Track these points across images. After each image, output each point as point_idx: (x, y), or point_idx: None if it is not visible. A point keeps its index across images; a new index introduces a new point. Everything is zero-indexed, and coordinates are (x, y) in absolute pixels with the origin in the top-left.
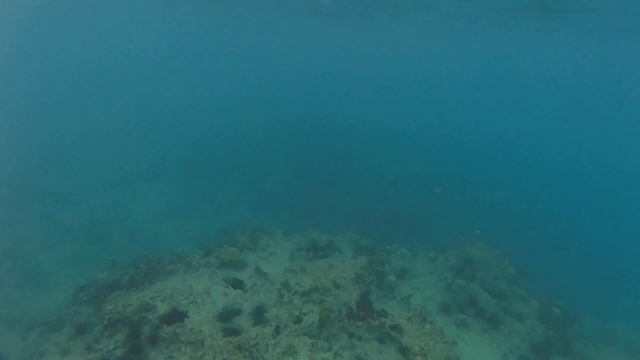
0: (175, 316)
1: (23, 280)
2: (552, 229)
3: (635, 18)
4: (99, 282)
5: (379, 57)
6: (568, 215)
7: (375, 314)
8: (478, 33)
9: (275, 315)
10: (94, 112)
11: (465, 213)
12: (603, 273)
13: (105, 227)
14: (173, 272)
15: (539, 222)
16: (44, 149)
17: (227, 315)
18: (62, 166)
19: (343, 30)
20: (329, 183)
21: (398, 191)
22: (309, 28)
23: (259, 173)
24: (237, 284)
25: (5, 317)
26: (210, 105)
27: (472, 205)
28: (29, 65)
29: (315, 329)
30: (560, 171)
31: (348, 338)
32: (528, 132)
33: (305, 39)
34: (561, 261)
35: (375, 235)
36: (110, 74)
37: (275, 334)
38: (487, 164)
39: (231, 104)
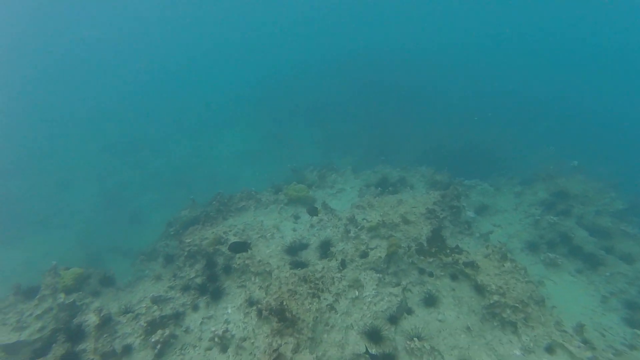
0: (241, 245)
1: (130, 218)
2: None
3: None
4: (182, 218)
5: None
6: None
7: (448, 250)
8: None
9: (342, 249)
10: (176, 71)
11: (559, 140)
12: None
13: (189, 173)
14: (244, 208)
15: None
16: (136, 104)
17: (294, 249)
18: (152, 118)
19: None
20: (401, 119)
21: (478, 123)
22: None
23: (329, 114)
24: (313, 211)
25: (120, 248)
26: (278, 47)
27: (568, 132)
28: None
29: (383, 264)
30: None
31: (418, 274)
32: None
33: None
34: None
35: (452, 170)
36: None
37: (341, 268)
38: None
39: (298, 44)
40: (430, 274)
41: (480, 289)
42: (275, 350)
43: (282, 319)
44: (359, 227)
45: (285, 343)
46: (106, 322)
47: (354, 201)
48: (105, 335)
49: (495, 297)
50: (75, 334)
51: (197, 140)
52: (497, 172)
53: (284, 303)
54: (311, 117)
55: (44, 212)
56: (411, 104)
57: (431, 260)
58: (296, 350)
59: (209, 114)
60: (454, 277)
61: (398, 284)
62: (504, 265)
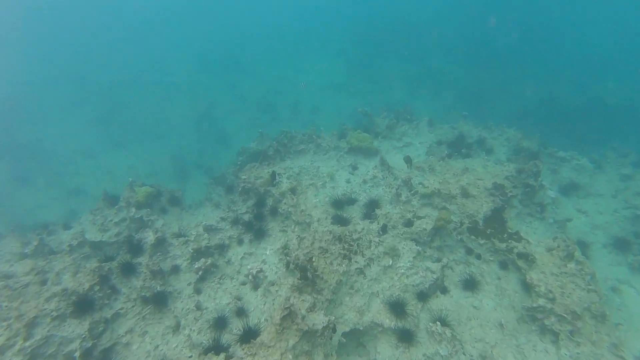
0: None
1: (216, 137)
2: None
3: None
4: (249, 150)
5: None
6: None
7: (505, 235)
8: None
9: (387, 213)
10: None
11: None
12: None
13: (274, 98)
14: (304, 151)
15: None
16: (229, 26)
17: (341, 203)
18: (244, 40)
19: None
20: (508, 63)
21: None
22: None
23: (425, 48)
24: (408, 160)
25: (204, 164)
26: None
27: None
28: None
29: (426, 237)
30: None
31: (464, 253)
32: None
33: None
34: None
35: (547, 135)
36: None
37: (381, 233)
38: None
39: None
40: (478, 257)
41: (527, 287)
42: (287, 307)
43: (304, 276)
44: (412, 192)
45: (302, 300)
46: (160, 243)
47: (418, 160)
48: (158, 254)
49: (541, 301)
50: (135, 248)
51: (286, 64)
52: (610, 143)
53: (313, 259)
54: (408, 50)
55: (147, 122)
56: (525, 43)
57: (483, 242)
58: (311, 309)
59: (303, 36)
60: (503, 266)
61: (438, 260)
62: (566, 265)
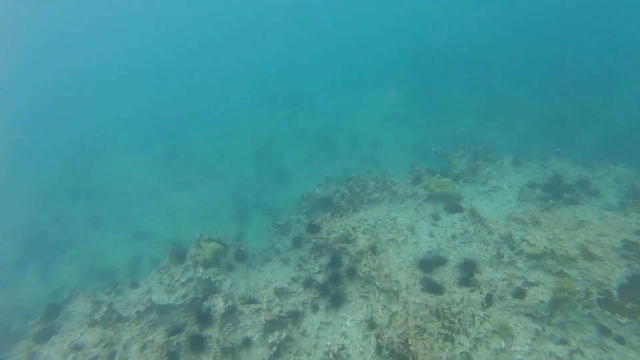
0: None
1: (275, 174)
2: None
3: None
4: (315, 196)
5: None
6: None
7: None
8: None
9: (489, 279)
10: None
11: None
12: None
13: (332, 133)
14: (378, 200)
15: None
16: (288, 61)
17: (429, 264)
18: (300, 74)
19: None
20: (589, 86)
21: None
22: None
23: (492, 74)
24: (455, 209)
25: (263, 204)
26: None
27: None
28: None
29: (545, 311)
30: None
31: (597, 333)
32: None
33: None
34: None
35: None
36: None
37: (485, 304)
38: None
39: None
40: (619, 340)
41: None
42: None
43: None
44: (515, 251)
45: None
46: (231, 312)
47: (512, 208)
48: (228, 324)
49: None
50: (204, 318)
51: (344, 97)
52: None
53: (409, 342)
54: (472, 78)
55: (209, 160)
56: (607, 63)
57: (623, 321)
58: None
59: (361, 69)
60: None
61: (564, 342)
62: None
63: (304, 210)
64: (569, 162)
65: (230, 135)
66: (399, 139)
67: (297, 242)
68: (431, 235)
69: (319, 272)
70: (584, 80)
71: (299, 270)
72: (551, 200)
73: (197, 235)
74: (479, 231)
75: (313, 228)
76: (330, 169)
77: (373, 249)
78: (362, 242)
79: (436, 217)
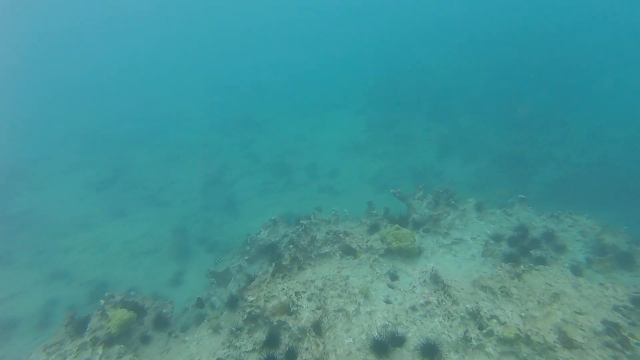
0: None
1: (223, 205)
2: None
3: None
4: (259, 241)
5: None
6: None
7: None
8: None
9: None
10: (291, 51)
11: None
12: None
13: (289, 159)
14: (328, 255)
15: None
16: (248, 82)
17: (384, 346)
18: (261, 98)
19: None
20: (547, 123)
21: None
22: None
23: (453, 105)
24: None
25: (208, 239)
26: (397, 26)
27: None
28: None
29: None
30: None
31: None
32: None
33: None
34: None
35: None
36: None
37: None
38: None
39: (422, 22)
40: None
41: None
42: None
43: None
44: (485, 331)
45: None
46: None
47: (477, 265)
48: None
49: None
50: None
51: (305, 124)
52: None
53: None
54: (434, 108)
55: (152, 186)
56: (570, 96)
57: None
58: None
59: (322, 94)
60: None
61: None
62: None
63: (246, 257)
64: (533, 211)
65: (179, 159)
66: (359, 168)
67: (233, 303)
68: (388, 302)
69: (253, 350)
70: (541, 115)
71: (228, 347)
72: (522, 266)
73: (102, 301)
74: (443, 301)
75: (233, 302)
76: (285, 198)
77: (318, 328)
78: (306, 314)
79: (394, 277)
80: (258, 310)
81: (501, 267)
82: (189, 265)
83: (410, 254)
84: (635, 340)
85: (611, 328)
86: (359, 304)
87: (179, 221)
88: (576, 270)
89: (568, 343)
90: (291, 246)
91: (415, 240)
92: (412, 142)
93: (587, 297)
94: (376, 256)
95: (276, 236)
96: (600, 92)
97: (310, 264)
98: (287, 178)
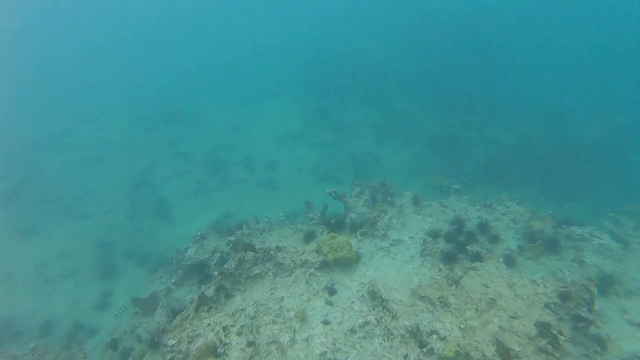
0: None
1: (154, 210)
2: None
3: None
4: (186, 260)
5: None
6: None
7: None
8: None
9: None
10: (215, 39)
11: None
12: None
13: (224, 154)
14: (259, 276)
15: None
16: (173, 71)
17: None
18: (189, 88)
19: None
20: (477, 104)
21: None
22: None
23: (386, 88)
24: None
25: (138, 252)
26: (329, 7)
27: None
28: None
29: None
30: None
31: None
32: None
33: None
34: None
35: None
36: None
37: None
38: None
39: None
40: None
41: None
42: None
43: None
44: (425, 350)
45: None
46: None
47: (416, 266)
48: None
49: None
50: None
51: (238, 115)
52: (595, 188)
53: None
54: (368, 92)
55: (68, 197)
56: (495, 76)
57: None
58: None
59: (254, 81)
60: None
61: None
62: None
63: (174, 280)
64: (468, 201)
65: (98, 162)
66: (298, 159)
67: (154, 345)
68: (326, 323)
69: None
70: (471, 96)
71: None
72: (458, 272)
73: None
74: (382, 318)
75: (154, 344)
76: (222, 198)
77: None
78: (235, 354)
79: (332, 291)
80: (180, 356)
81: (440, 269)
82: (116, 284)
83: (348, 263)
84: (563, 338)
85: (543, 330)
86: (295, 330)
87: (101, 234)
88: (510, 260)
89: (506, 354)
90: (216, 274)
91: (352, 247)
92: (349, 128)
93: (521, 297)
94: (312, 270)
95: (205, 252)
96: (522, 71)
97: (239, 289)
98: (223, 175)
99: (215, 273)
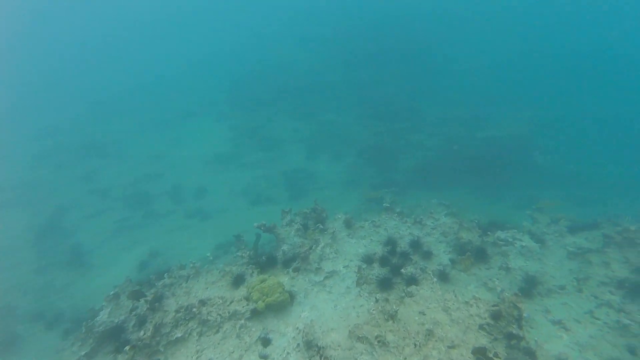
0: None
1: (66, 260)
2: None
3: None
4: (98, 326)
5: None
6: None
7: None
8: None
9: None
10: (132, 62)
11: None
12: None
13: (147, 186)
14: (182, 339)
15: None
16: (86, 100)
17: None
18: (103, 116)
19: None
20: (402, 110)
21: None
22: None
23: (314, 101)
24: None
25: (46, 312)
26: (254, 22)
27: None
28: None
29: None
30: None
31: None
32: None
33: None
34: None
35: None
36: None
37: None
38: None
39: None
40: None
41: None
42: None
43: None
44: None
45: None
46: None
47: (353, 298)
48: None
49: None
50: None
51: (160, 141)
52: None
53: None
54: (296, 106)
55: None
56: (426, 82)
57: None
58: None
59: (176, 103)
60: None
61: None
62: None
63: (84, 352)
64: (399, 218)
65: None
66: (228, 183)
67: None
68: None
69: None
70: (396, 104)
71: None
72: (394, 305)
73: None
74: None
75: None
76: (148, 234)
77: None
78: None
79: (266, 341)
80: None
81: (376, 299)
82: (19, 358)
83: (281, 306)
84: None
85: (480, 357)
86: None
87: (0, 296)
88: (443, 276)
89: None
90: (127, 349)
91: (284, 289)
92: (280, 145)
93: (457, 322)
94: (242, 321)
95: (122, 312)
96: (444, 76)
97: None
98: (146, 209)
99: (127, 348)
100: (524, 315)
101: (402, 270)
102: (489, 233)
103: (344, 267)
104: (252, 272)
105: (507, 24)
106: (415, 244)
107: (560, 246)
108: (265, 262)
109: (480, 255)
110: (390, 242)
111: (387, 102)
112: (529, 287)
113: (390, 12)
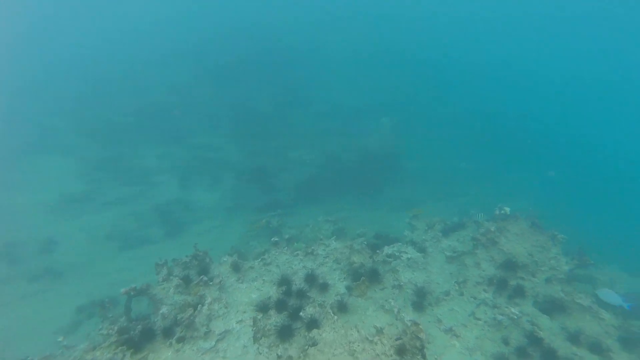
0: None
1: None
2: None
3: None
4: None
5: None
6: None
7: None
8: None
9: None
10: None
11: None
12: None
13: None
14: None
15: None
16: None
17: None
18: None
19: None
20: (277, 128)
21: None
22: None
23: (182, 122)
24: None
25: None
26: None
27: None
28: None
29: None
30: None
31: None
32: None
33: None
34: None
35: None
36: None
37: None
38: None
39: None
40: None
41: None
42: None
43: None
44: None
45: None
46: None
47: (253, 357)
48: None
49: None
50: None
51: None
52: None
53: None
54: (160, 130)
55: None
56: (296, 95)
57: None
58: None
59: (3, 136)
60: None
61: None
62: None
63: None
64: (289, 252)
65: None
66: (85, 228)
67: None
68: None
69: None
70: (269, 120)
71: None
72: (288, 321)
73: None
74: None
75: None
76: None
77: None
78: None
79: None
80: None
81: (278, 355)
82: None
83: None
84: None
85: None
86: None
87: None
88: (342, 306)
89: None
90: None
91: None
92: (147, 176)
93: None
94: None
95: None
96: (315, 86)
97: None
98: None
99: None
100: (423, 335)
101: (301, 313)
102: (377, 251)
103: (237, 323)
104: (124, 355)
105: (364, 33)
106: (310, 278)
107: (439, 251)
108: (140, 338)
109: (374, 277)
110: (284, 281)
111: (261, 117)
112: (420, 299)
113: (255, 20)
